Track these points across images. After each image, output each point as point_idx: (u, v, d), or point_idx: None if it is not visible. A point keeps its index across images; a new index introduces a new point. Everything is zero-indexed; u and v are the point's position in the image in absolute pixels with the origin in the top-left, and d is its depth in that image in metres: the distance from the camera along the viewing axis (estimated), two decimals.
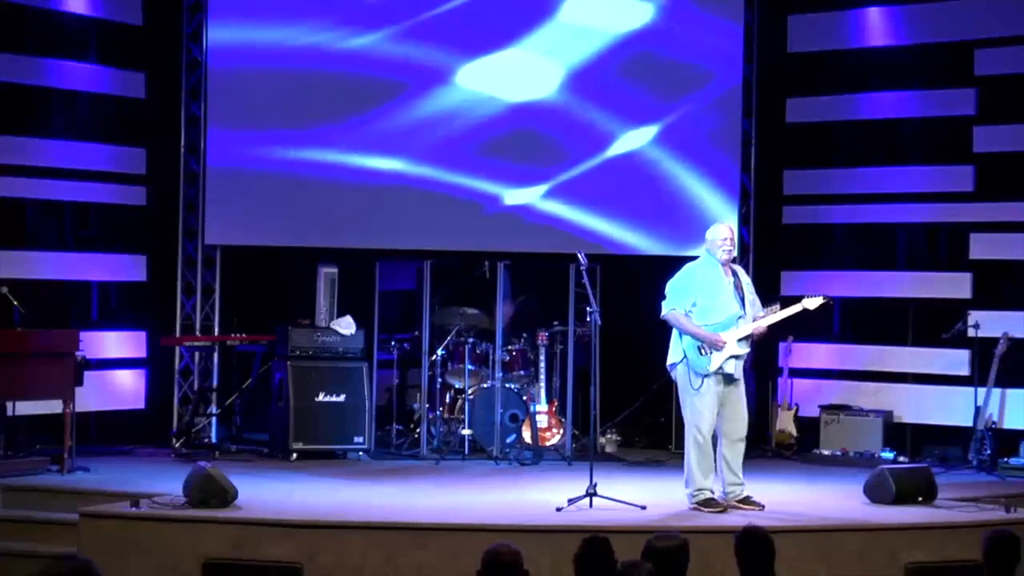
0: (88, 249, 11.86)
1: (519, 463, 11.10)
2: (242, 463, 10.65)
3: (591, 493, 8.60)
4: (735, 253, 8.94)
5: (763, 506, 8.64)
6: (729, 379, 8.65)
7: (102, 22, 11.83)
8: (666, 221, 12.09)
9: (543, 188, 11.97)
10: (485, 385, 11.53)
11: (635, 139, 12.04)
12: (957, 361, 11.56)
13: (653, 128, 12.05)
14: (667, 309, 8.71)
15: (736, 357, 8.64)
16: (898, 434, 11.78)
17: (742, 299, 8.74)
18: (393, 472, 10.61)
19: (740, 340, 8.66)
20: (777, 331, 9.97)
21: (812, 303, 8.82)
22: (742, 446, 8.76)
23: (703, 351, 8.58)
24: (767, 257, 12.40)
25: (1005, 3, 11.65)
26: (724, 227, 8.92)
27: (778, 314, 8.86)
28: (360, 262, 11.69)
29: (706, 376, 8.59)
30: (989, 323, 11.11)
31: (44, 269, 11.41)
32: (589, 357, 10.03)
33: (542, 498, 8.92)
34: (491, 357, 11.55)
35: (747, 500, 8.67)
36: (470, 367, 11.47)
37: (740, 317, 8.70)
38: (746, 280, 8.92)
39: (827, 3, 12.40)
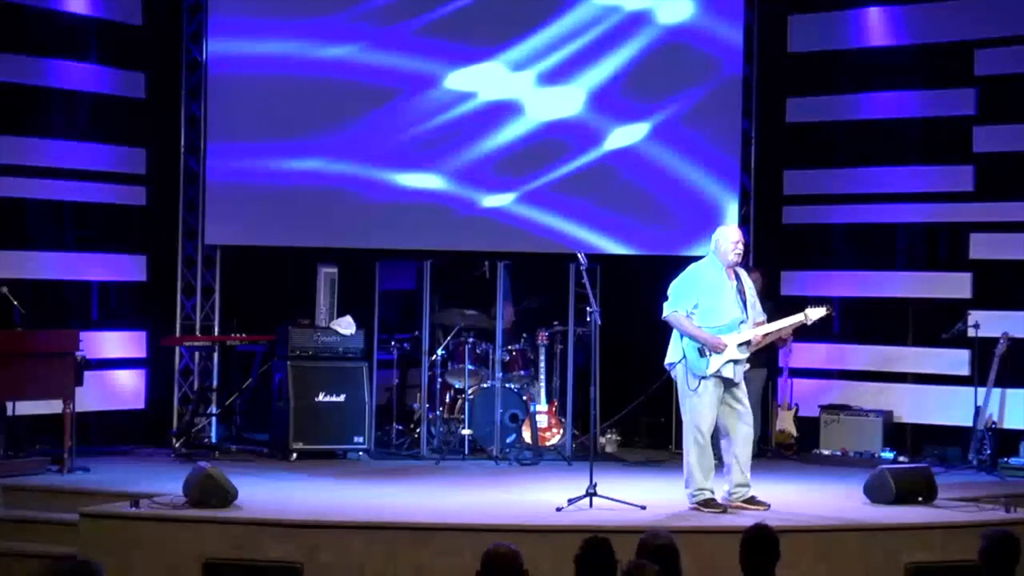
0: (88, 249, 11.84)
1: (519, 463, 11.09)
2: (242, 463, 10.64)
3: (591, 493, 8.60)
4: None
5: (768, 505, 8.63)
6: (728, 383, 8.66)
7: (102, 22, 11.82)
8: (666, 221, 12.08)
9: (542, 189, 11.96)
10: (485, 385, 11.53)
11: (634, 139, 12.02)
12: (957, 361, 11.55)
13: (652, 128, 12.03)
14: (669, 310, 8.70)
15: (735, 362, 8.64)
16: (898, 434, 11.77)
17: (744, 303, 8.74)
18: (393, 472, 10.61)
19: (740, 345, 8.66)
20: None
21: (814, 314, 8.80)
22: (751, 443, 8.75)
23: (703, 353, 8.58)
24: (767, 257, 12.36)
25: (1005, 3, 11.64)
26: (735, 230, 8.94)
27: (778, 323, 8.87)
28: (360, 262, 11.69)
29: (704, 378, 8.59)
30: (989, 323, 11.11)
31: (44, 269, 11.40)
32: (589, 357, 10.03)
33: (542, 498, 8.92)
34: (491, 357, 11.55)
35: (752, 500, 8.67)
36: (470, 367, 11.47)
37: (742, 321, 8.70)
38: (749, 284, 8.90)
39: (827, 3, 12.38)
